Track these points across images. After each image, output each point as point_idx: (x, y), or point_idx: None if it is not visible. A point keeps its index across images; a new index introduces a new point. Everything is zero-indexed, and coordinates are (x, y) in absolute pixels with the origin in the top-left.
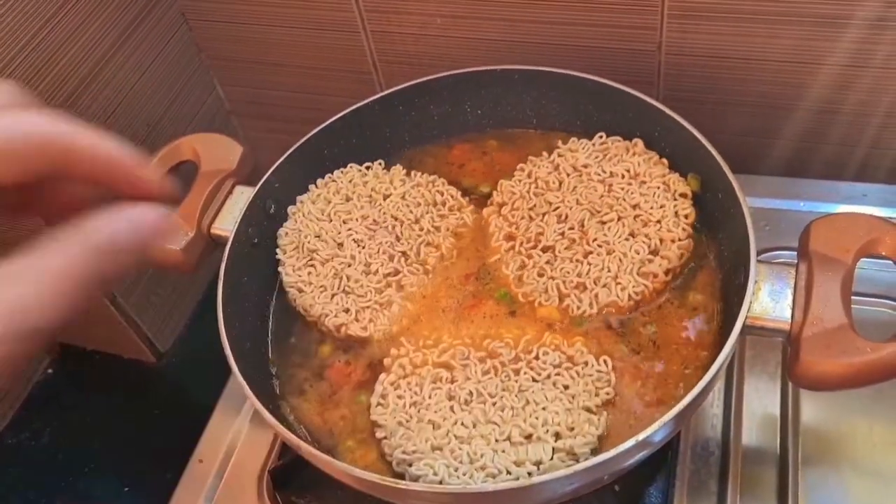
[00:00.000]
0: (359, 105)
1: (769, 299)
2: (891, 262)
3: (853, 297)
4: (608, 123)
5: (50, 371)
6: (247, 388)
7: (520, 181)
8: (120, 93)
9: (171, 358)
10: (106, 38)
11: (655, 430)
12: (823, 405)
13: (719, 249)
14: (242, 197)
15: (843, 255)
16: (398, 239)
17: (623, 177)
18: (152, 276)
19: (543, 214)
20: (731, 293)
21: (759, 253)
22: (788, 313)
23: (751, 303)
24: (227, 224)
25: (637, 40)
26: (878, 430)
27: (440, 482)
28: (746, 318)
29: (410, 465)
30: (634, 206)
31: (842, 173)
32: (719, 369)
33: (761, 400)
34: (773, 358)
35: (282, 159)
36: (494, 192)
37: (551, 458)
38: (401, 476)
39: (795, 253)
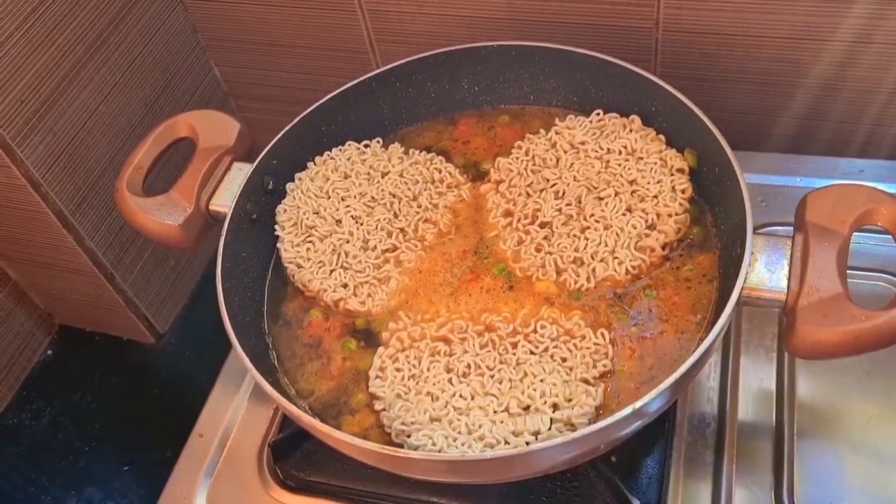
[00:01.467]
0: (356, 82)
1: (765, 270)
2: (889, 236)
3: (850, 271)
4: (605, 99)
5: (49, 352)
6: (247, 360)
7: (517, 158)
8: (116, 73)
9: (169, 338)
10: (102, 18)
11: (651, 398)
12: (819, 379)
13: (717, 222)
14: (241, 173)
15: (838, 226)
16: (396, 216)
17: (620, 153)
18: (150, 257)
19: (541, 191)
20: (729, 265)
21: (755, 228)
22: (784, 284)
23: (747, 273)
24: (225, 200)
25: (634, 17)
26: (873, 404)
27: (439, 452)
28: (743, 288)
29: (409, 437)
30: (631, 182)
31: (845, 150)
32: (715, 339)
33: (757, 374)
34: (770, 332)
35: (279, 136)
36: (492, 170)
37: (549, 429)
38: (400, 447)
39: (791, 228)
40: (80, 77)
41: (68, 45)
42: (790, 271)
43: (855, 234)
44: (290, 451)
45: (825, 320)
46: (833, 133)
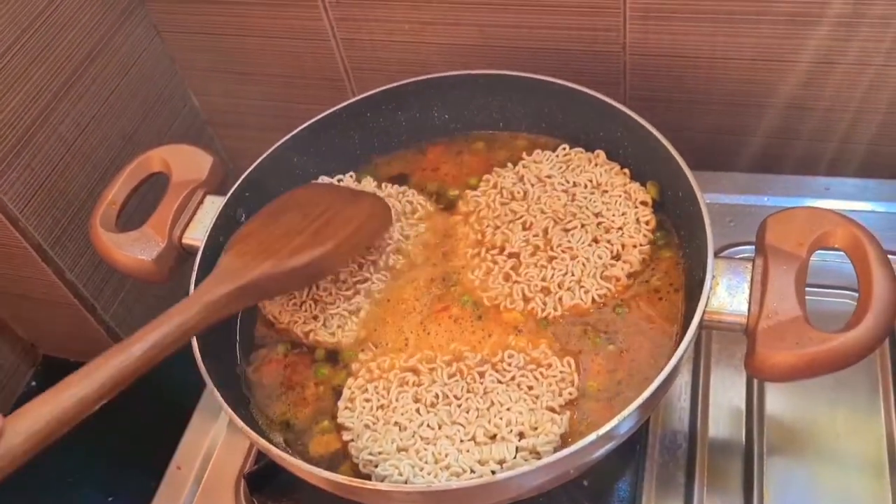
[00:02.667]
0: (326, 113)
1: (727, 293)
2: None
3: (817, 289)
4: (572, 124)
5: (34, 383)
6: (218, 394)
7: (486, 191)
8: (93, 106)
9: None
10: (79, 51)
11: (615, 425)
12: (788, 396)
13: (683, 245)
14: (213, 206)
15: (797, 249)
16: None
17: (586, 186)
18: (131, 288)
19: (509, 223)
20: (694, 288)
21: (723, 249)
22: (745, 307)
23: (708, 298)
24: (198, 234)
25: (601, 42)
26: (841, 420)
27: (405, 482)
28: (704, 312)
29: (376, 467)
30: (597, 215)
31: (814, 169)
32: (676, 365)
33: (727, 392)
34: (739, 351)
35: (251, 168)
36: (460, 202)
37: (514, 457)
38: (367, 477)
39: None
40: (58, 111)
41: (45, 80)
42: (750, 294)
43: (821, 251)
44: (266, 482)
45: (783, 343)
46: (803, 151)
